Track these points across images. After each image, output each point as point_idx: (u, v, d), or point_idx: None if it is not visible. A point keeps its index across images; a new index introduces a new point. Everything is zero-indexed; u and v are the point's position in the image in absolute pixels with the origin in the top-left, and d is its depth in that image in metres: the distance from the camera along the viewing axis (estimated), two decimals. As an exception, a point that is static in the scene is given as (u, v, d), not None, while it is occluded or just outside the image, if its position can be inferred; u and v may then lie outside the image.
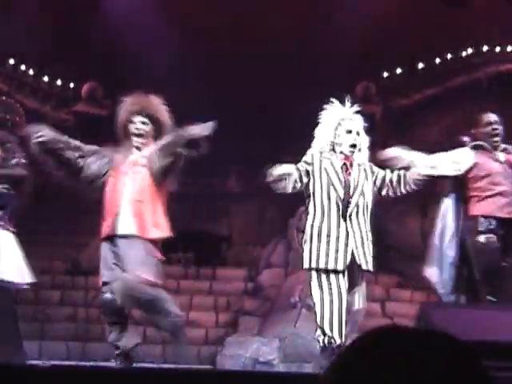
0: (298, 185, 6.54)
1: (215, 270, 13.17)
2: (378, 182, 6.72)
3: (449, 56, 15.65)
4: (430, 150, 7.40)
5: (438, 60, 15.70)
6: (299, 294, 10.93)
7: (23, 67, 15.54)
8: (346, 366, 1.21)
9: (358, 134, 6.69)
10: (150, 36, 13.96)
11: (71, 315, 11.66)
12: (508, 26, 14.05)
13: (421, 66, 15.73)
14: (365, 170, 6.67)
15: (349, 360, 1.22)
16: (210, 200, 14.89)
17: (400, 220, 13.72)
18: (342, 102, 6.82)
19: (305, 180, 6.54)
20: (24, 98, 15.17)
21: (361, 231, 6.53)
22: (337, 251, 6.36)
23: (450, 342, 1.20)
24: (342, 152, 6.60)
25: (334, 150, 6.64)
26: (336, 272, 6.31)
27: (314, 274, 6.37)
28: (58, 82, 15.76)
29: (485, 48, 15.42)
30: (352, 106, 6.85)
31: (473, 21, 13.81)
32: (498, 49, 15.40)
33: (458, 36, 14.78)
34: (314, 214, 6.51)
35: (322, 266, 6.32)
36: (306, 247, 6.47)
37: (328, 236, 6.39)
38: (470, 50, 15.54)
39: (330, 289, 6.27)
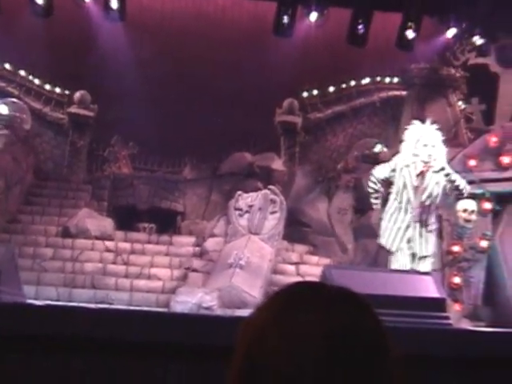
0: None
1: (172, 237, 13.09)
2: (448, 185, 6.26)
3: (352, 83, 15.83)
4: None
5: (344, 85, 15.86)
6: (234, 257, 10.93)
7: (31, 77, 15.34)
8: (269, 312, 1.17)
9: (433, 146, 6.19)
10: (126, 64, 14.08)
11: (61, 267, 11.50)
12: (394, 62, 14.31)
13: (331, 89, 15.86)
14: (438, 174, 6.18)
15: (272, 308, 1.18)
16: (170, 184, 14.82)
17: (312, 204, 13.78)
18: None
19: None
20: (30, 100, 14.95)
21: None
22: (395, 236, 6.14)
23: (352, 294, 1.20)
24: (422, 160, 6.12)
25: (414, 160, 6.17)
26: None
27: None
28: (57, 90, 15.55)
29: (378, 78, 15.66)
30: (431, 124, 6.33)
31: (369, 57, 13.99)
32: (387, 79, 15.67)
33: (360, 68, 14.98)
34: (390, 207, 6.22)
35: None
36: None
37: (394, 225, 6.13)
38: (367, 79, 15.75)
39: None
